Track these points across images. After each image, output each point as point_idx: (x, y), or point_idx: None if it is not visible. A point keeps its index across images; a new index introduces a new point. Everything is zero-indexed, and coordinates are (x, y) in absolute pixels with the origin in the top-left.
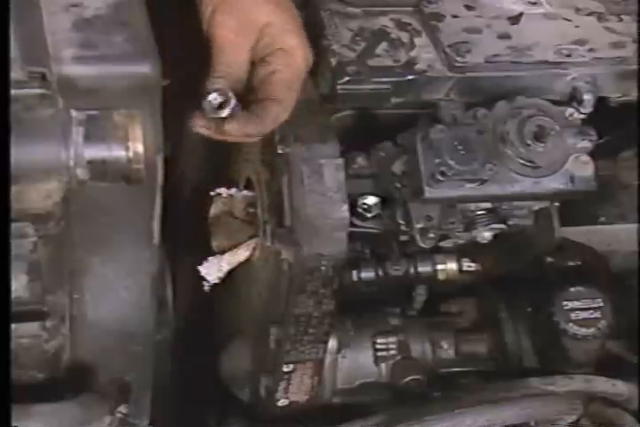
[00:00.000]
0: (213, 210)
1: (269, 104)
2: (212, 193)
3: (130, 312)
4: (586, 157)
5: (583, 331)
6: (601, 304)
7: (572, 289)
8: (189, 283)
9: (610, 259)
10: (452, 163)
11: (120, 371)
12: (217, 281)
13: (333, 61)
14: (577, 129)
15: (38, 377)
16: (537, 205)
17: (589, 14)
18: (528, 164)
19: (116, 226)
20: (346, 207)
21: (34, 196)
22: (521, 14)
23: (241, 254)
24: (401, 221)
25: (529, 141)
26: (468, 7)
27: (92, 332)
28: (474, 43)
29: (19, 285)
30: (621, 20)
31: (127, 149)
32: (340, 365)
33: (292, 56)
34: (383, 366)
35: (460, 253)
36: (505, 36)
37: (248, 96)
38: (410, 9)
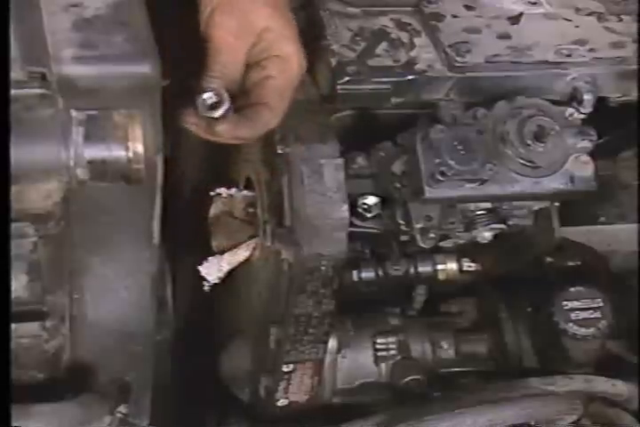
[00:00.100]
0: (213, 210)
1: (261, 109)
2: (211, 193)
3: (130, 312)
4: (586, 157)
5: (583, 331)
6: (601, 304)
7: (572, 289)
8: (189, 283)
9: (610, 259)
10: (452, 163)
11: (120, 371)
12: (217, 281)
13: (333, 61)
14: (577, 129)
15: (38, 377)
16: (537, 205)
17: (589, 14)
18: (528, 164)
19: (116, 226)
20: (346, 207)
21: (34, 196)
22: (521, 14)
23: (241, 254)
24: (401, 221)
25: (529, 141)
26: (468, 7)
27: (92, 332)
28: (474, 43)
29: (19, 285)
30: (621, 20)
31: (127, 149)
32: (340, 365)
33: (287, 63)
34: (383, 366)
35: (459, 253)
36: (505, 36)
37: (240, 98)
38: (410, 9)
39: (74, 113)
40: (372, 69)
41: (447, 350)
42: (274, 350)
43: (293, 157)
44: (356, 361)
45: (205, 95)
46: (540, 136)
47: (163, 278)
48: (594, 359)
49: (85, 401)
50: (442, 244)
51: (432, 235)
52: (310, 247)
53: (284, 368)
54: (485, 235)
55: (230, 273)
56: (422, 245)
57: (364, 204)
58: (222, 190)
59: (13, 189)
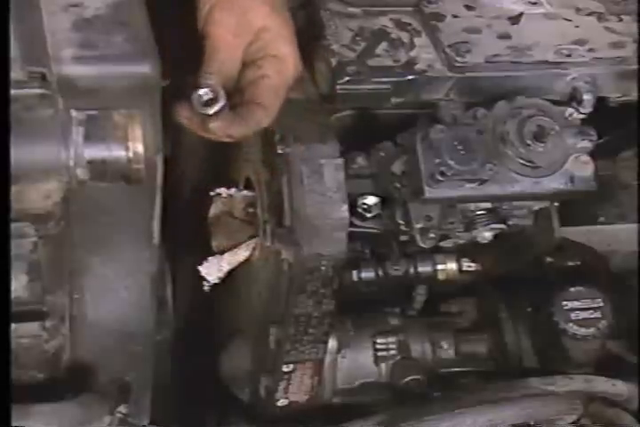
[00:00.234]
0: (213, 210)
1: (255, 108)
2: (211, 193)
3: (130, 312)
4: (586, 157)
5: (583, 331)
6: (601, 304)
7: (572, 289)
8: (189, 283)
9: (610, 259)
10: (451, 163)
11: (120, 371)
12: (217, 281)
13: (333, 61)
14: (577, 129)
15: (38, 377)
16: (537, 205)
17: (589, 14)
18: (528, 164)
19: (116, 226)
20: (346, 207)
21: (34, 196)
22: (521, 14)
23: (241, 254)
24: (401, 221)
25: (529, 141)
26: (468, 7)
27: (92, 332)
28: (474, 43)
29: (19, 285)
30: (621, 20)
31: (127, 149)
32: (340, 365)
33: (283, 63)
34: (383, 366)
35: (459, 253)
36: (505, 36)
37: (234, 96)
38: (410, 9)
39: (74, 113)
40: (372, 69)
41: (447, 350)
42: (274, 350)
43: (293, 157)
44: (356, 361)
45: (201, 91)
46: (540, 136)
47: (163, 278)
48: (594, 359)
49: (85, 401)
50: (442, 244)
51: (432, 235)
52: (310, 247)
53: (284, 368)
54: (485, 235)
55: (230, 273)
56: (422, 245)
57: (364, 204)
58: (222, 190)
59: (13, 189)
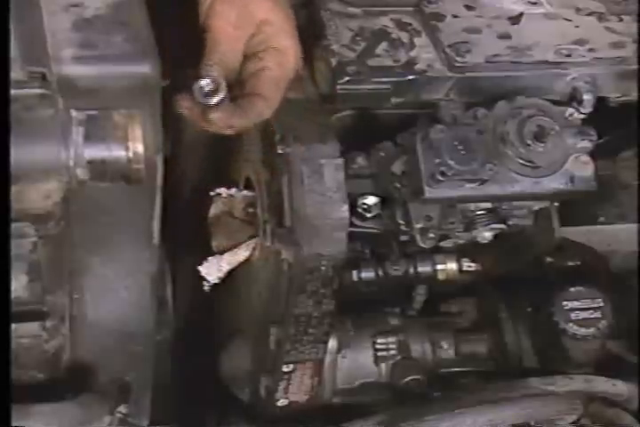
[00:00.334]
0: (213, 210)
1: (256, 100)
2: (211, 193)
3: (130, 312)
4: (586, 157)
5: (583, 331)
6: (601, 304)
7: (572, 289)
8: (189, 283)
9: (610, 259)
10: (451, 163)
11: (120, 371)
12: (217, 281)
13: (333, 61)
14: (577, 129)
15: (38, 377)
16: (537, 205)
17: (589, 14)
18: (528, 164)
19: (116, 226)
20: (346, 207)
21: (34, 196)
22: (521, 14)
23: (241, 254)
24: (401, 221)
25: (529, 141)
26: (468, 7)
27: (92, 332)
28: (474, 43)
29: (19, 285)
30: (621, 20)
31: (127, 149)
32: (340, 365)
33: (284, 56)
34: (383, 366)
35: (460, 253)
36: (505, 36)
37: (235, 88)
38: (410, 9)
39: (74, 113)
40: (372, 69)
41: (447, 350)
42: (274, 350)
43: (293, 157)
44: (356, 361)
45: (203, 82)
46: (540, 136)
47: (163, 278)
48: (594, 359)
49: (85, 401)
50: (442, 244)
51: (432, 235)
52: (310, 247)
53: (284, 368)
54: (485, 235)
55: (230, 273)
56: (422, 245)
57: (364, 204)
58: (222, 190)
59: (13, 189)
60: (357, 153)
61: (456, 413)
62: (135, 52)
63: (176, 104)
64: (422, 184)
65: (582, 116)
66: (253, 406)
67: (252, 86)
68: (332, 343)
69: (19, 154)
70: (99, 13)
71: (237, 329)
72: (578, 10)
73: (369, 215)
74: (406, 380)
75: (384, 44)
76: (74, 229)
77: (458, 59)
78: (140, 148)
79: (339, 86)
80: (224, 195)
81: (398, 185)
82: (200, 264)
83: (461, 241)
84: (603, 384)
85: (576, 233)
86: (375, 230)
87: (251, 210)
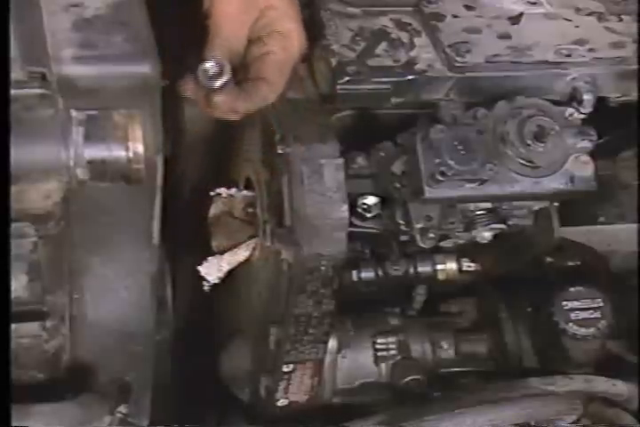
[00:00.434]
0: (213, 210)
1: (260, 83)
2: (211, 193)
3: (130, 312)
4: (586, 157)
5: (583, 331)
6: (601, 304)
7: (572, 289)
8: (189, 283)
9: (610, 259)
10: (451, 163)
11: (120, 371)
12: (217, 281)
13: (333, 61)
14: (577, 129)
15: (38, 377)
16: (537, 205)
17: (589, 14)
18: (528, 164)
19: (116, 226)
20: (345, 207)
21: (34, 196)
22: (521, 14)
23: (241, 254)
24: (401, 221)
25: (529, 141)
26: (468, 7)
27: (92, 332)
28: (474, 43)
29: (19, 285)
30: (621, 20)
31: (127, 149)
32: (340, 365)
33: (288, 40)
34: (383, 366)
35: (460, 253)
36: (505, 36)
37: (239, 72)
38: (410, 9)
39: (74, 113)
40: (372, 69)
41: (447, 350)
42: (274, 350)
43: (293, 157)
44: (356, 361)
45: (207, 65)
46: (540, 136)
47: (163, 278)
48: (594, 359)
49: (85, 401)
50: (442, 244)
51: (432, 235)
52: (310, 247)
53: (284, 368)
54: (485, 235)
55: (230, 273)
56: (422, 245)
57: (364, 204)
58: (222, 190)
59: (13, 189)
60: (357, 153)
61: (456, 413)
62: (135, 52)
63: (181, 89)
64: (422, 184)
65: (582, 116)
66: (253, 406)
67: (257, 71)
68: (332, 343)
69: (19, 154)
70: (99, 13)
71: (237, 329)
72: (578, 10)
73: (369, 215)
74: (406, 380)
75: (384, 44)
76: (74, 229)
77: (458, 59)
78: (139, 148)
79: (339, 86)
80: (224, 195)
81: (398, 185)
82: (200, 264)
83: (461, 241)
84: (603, 384)
85: (576, 233)
86: (375, 230)
87: (251, 210)
